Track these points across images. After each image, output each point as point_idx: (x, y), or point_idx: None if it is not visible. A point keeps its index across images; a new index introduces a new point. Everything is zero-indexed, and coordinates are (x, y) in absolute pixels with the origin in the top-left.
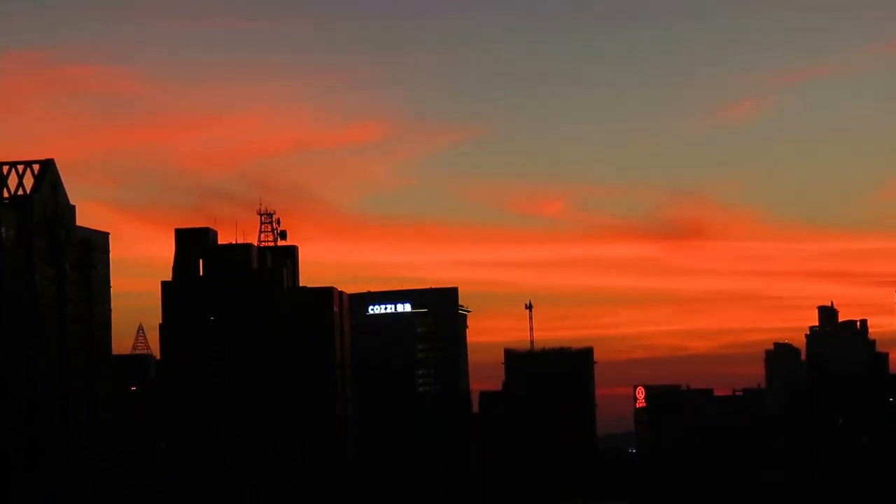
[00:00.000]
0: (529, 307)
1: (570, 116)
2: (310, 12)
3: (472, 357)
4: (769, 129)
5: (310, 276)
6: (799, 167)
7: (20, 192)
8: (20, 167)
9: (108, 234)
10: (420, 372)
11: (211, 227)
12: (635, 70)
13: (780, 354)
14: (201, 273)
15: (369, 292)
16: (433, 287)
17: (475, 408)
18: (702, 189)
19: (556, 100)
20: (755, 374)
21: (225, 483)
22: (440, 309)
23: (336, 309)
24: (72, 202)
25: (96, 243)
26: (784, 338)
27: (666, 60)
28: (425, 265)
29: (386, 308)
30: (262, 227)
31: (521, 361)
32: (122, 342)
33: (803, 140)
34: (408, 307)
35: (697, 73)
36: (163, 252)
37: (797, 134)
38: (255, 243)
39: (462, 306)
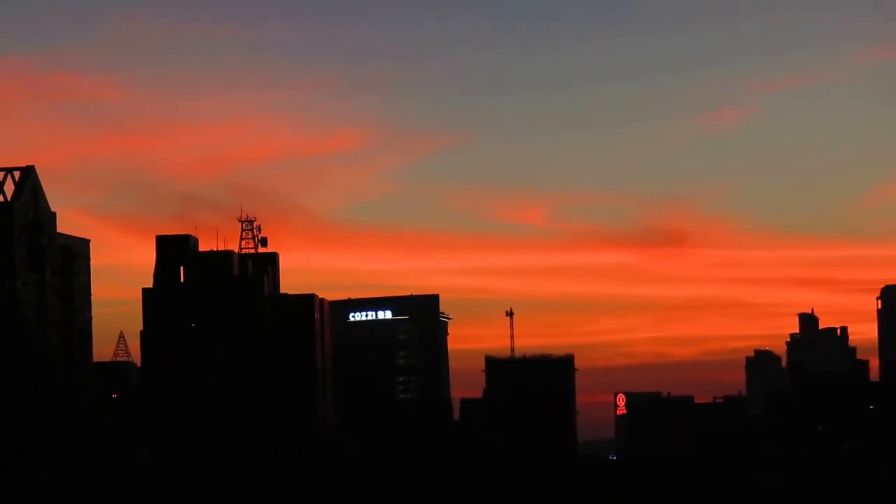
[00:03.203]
0: (510, 314)
1: (551, 124)
2: (293, 22)
3: (453, 364)
4: (752, 137)
5: (291, 283)
6: (781, 175)
7: (1, 198)
8: (1, 174)
9: (89, 241)
10: (401, 379)
11: (192, 234)
12: (618, 79)
13: (761, 361)
14: (182, 280)
15: (350, 299)
16: (414, 294)
17: (456, 415)
18: (684, 197)
19: (537, 108)
20: (736, 382)
21: (208, 489)
22: (421, 316)
23: (317, 316)
24: (53, 209)
25: (77, 250)
26: (765, 345)
27: (649, 69)
28: (406, 272)
29: (367, 315)
30: (243, 234)
31: (501, 369)
32: (103, 349)
33: (786, 148)
34: (389, 314)
35: (681, 81)
36: (144, 259)
37: (780, 142)
38: (236, 250)
39: (443, 313)
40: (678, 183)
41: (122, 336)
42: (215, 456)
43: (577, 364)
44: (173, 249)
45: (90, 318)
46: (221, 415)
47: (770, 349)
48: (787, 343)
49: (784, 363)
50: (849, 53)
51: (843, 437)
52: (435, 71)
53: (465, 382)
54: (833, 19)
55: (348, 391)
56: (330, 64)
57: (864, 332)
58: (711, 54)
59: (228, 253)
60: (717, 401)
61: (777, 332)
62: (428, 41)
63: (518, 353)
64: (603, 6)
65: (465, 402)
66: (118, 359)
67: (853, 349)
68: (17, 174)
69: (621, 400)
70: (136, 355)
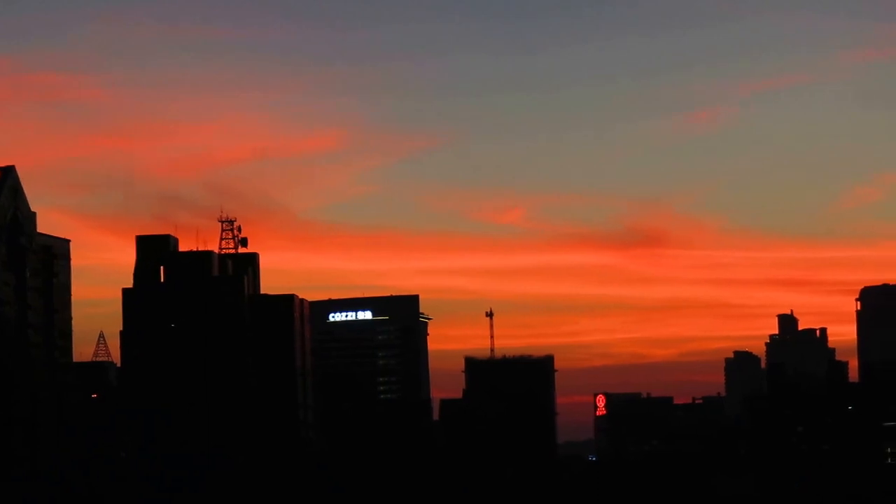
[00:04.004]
0: (490, 315)
1: (531, 126)
2: (273, 23)
3: (433, 365)
4: (731, 138)
5: (271, 283)
6: (761, 176)
7: None
8: None
9: (69, 241)
10: (381, 379)
11: (172, 234)
12: (597, 80)
13: (740, 362)
14: (162, 280)
15: (330, 300)
16: (394, 295)
17: (435, 415)
18: (664, 198)
19: (517, 109)
20: (715, 382)
21: (186, 489)
22: (401, 317)
23: (297, 316)
24: (33, 209)
25: (57, 250)
26: (744, 346)
27: (628, 71)
28: (386, 273)
29: (347, 315)
30: (223, 234)
31: (481, 369)
32: (83, 350)
33: (765, 149)
34: (369, 315)
35: (660, 82)
36: (124, 259)
37: (760, 143)
38: (216, 250)
39: (423, 314)
40: (658, 184)
41: (102, 336)
42: (195, 456)
43: (556, 365)
44: (153, 249)
45: (70, 319)
46: (201, 415)
47: (749, 350)
48: (766, 344)
49: (763, 364)
50: (826, 55)
51: (821, 438)
52: (415, 72)
53: (445, 383)
54: (811, 21)
55: (328, 391)
56: (310, 64)
57: (844, 333)
58: (691, 56)
59: (208, 253)
60: (697, 401)
61: (756, 332)
62: (409, 42)
63: (498, 354)
64: (583, 9)
65: (445, 403)
66: (98, 359)
67: (832, 350)
68: None
69: (601, 401)
70: (116, 355)
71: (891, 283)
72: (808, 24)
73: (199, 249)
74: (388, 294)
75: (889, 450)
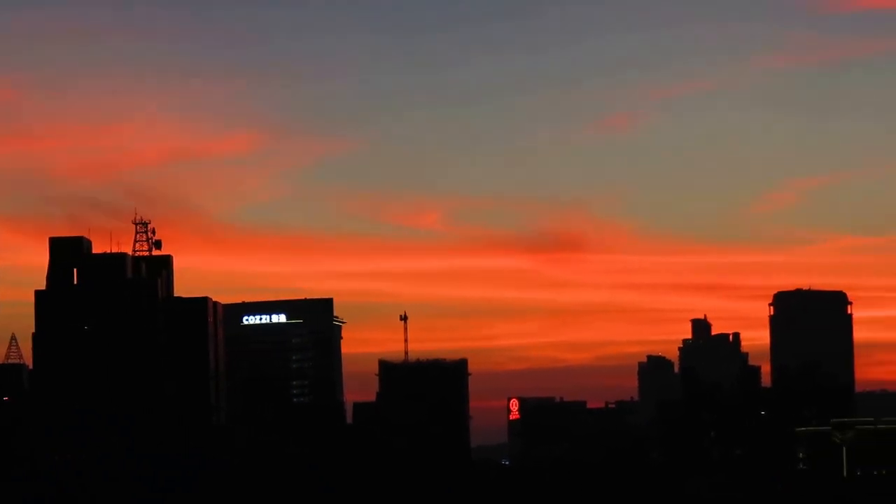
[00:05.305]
0: (404, 319)
1: (448, 130)
2: (185, 26)
3: (347, 368)
4: (645, 143)
5: (184, 285)
6: (676, 181)
7: None
8: None
9: None
10: (295, 382)
11: (85, 236)
12: (513, 86)
13: (653, 367)
14: (76, 282)
15: (244, 303)
16: (308, 298)
17: (349, 419)
18: (579, 202)
19: (433, 112)
20: (629, 387)
21: (99, 493)
22: (315, 320)
23: (210, 319)
24: None
25: None
26: (658, 350)
27: (545, 74)
28: (300, 276)
29: (261, 319)
30: (137, 236)
31: (395, 373)
32: None
33: (681, 154)
34: (283, 318)
35: (577, 86)
36: (36, 261)
37: (675, 148)
38: (130, 253)
39: (337, 317)
40: (573, 188)
41: (13, 338)
42: (108, 459)
43: (470, 368)
44: (67, 251)
45: None
46: (113, 417)
47: (663, 355)
48: (679, 349)
49: (676, 369)
50: (739, 61)
51: (734, 442)
52: (330, 74)
53: (359, 386)
54: (722, 28)
55: (242, 394)
56: (225, 67)
57: (756, 338)
58: (606, 61)
59: (122, 255)
60: (610, 406)
61: (670, 337)
62: (324, 46)
63: (412, 358)
64: (497, 16)
65: (359, 406)
66: (10, 361)
67: (745, 355)
68: None
69: (514, 405)
70: (28, 358)
71: (804, 287)
72: (721, 31)
73: (113, 252)
74: (303, 297)
75: (801, 454)
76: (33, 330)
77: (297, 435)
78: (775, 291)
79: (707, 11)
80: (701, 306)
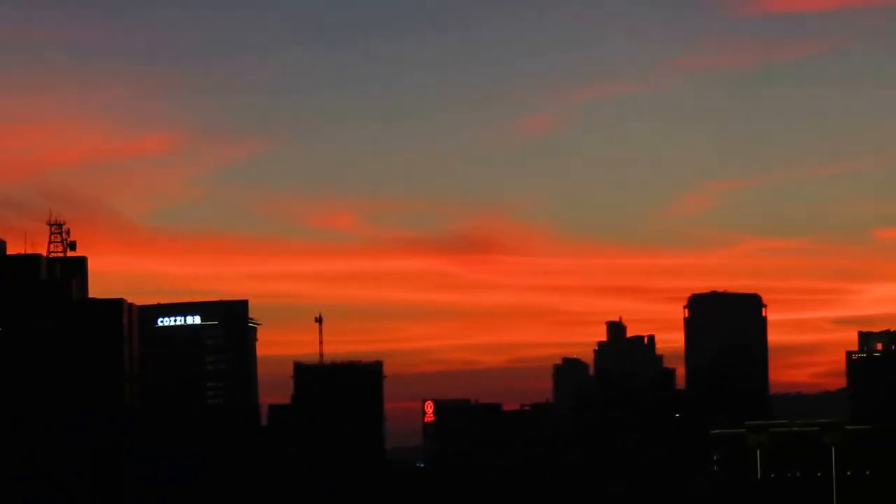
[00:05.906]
0: (319, 320)
1: (361, 130)
2: (101, 22)
3: (262, 370)
4: (561, 144)
5: (99, 287)
6: (591, 182)
7: None
8: None
9: None
10: (210, 384)
11: None
12: (428, 83)
13: (568, 369)
14: None
15: (159, 304)
16: (223, 300)
17: (264, 421)
18: (493, 204)
19: (347, 112)
20: (543, 389)
21: (14, 498)
22: (230, 321)
23: (125, 321)
24: None
25: None
26: (573, 353)
27: (461, 72)
28: (215, 277)
29: (175, 320)
30: (52, 237)
31: (310, 375)
32: None
33: (596, 155)
34: (197, 319)
35: (493, 85)
36: None
37: (589, 149)
38: (45, 254)
39: (252, 319)
40: (488, 189)
41: None
42: (20, 463)
43: (386, 370)
44: None
45: None
46: (26, 421)
47: (578, 357)
48: (594, 351)
49: (591, 371)
50: (658, 62)
51: (649, 444)
52: (243, 74)
53: (274, 388)
54: (645, 27)
55: (156, 397)
56: (141, 67)
57: (672, 340)
58: (523, 60)
59: (36, 256)
60: (525, 408)
61: (585, 339)
62: (239, 44)
63: (327, 360)
64: (414, 8)
65: (274, 408)
66: None
67: (660, 357)
68: None
69: (429, 407)
70: None
71: (719, 290)
72: (638, 33)
73: (27, 253)
74: (217, 299)
75: (716, 457)
76: None
77: (210, 437)
78: (690, 294)
79: (632, 11)
80: (616, 308)
